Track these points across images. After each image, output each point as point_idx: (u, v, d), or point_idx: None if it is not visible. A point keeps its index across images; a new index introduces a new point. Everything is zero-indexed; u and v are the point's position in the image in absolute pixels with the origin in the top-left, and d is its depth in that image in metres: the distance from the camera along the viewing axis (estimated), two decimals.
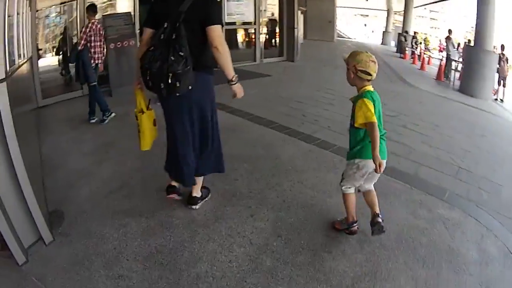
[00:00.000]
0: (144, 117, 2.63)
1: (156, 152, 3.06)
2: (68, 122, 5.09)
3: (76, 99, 6.18)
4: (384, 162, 2.26)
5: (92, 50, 4.89)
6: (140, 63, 2.34)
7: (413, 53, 18.07)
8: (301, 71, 9.72)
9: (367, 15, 47.26)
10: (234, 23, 9.88)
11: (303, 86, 7.76)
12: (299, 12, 12.01)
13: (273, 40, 11.59)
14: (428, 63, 15.79)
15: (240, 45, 10.98)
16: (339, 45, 18.54)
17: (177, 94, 2.31)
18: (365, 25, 47.46)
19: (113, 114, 5.08)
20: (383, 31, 26.87)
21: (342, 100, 6.34)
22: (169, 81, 2.23)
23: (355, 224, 2.58)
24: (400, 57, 18.26)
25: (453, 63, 12.62)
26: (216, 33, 2.35)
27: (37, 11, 6.00)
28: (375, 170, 2.21)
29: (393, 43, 24.22)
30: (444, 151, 4.63)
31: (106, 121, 5.00)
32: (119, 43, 6.35)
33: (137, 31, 6.79)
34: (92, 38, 4.87)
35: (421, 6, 26.76)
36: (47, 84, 6.26)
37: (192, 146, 2.63)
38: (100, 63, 5.05)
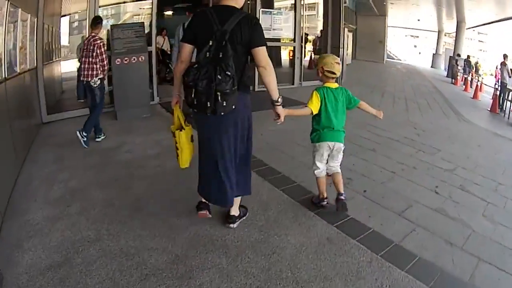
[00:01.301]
0: (183, 134, 2.63)
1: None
2: (60, 147, 4.45)
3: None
4: (332, 143, 2.94)
5: (81, 66, 4.50)
6: (183, 80, 2.35)
7: (465, 78, 16.28)
8: None
9: (417, 36, 45.00)
10: (269, 40, 8.69)
11: None
12: (347, 30, 10.80)
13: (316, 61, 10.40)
14: (480, 90, 14.00)
15: (276, 64, 9.83)
16: (388, 68, 17.14)
17: (222, 114, 2.31)
18: (415, 46, 45.29)
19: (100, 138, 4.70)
20: (433, 54, 25.37)
21: (387, 145, 5.01)
22: (218, 100, 2.26)
23: (325, 200, 3.04)
24: (452, 83, 16.74)
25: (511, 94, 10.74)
26: (264, 54, 2.41)
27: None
28: (276, 117, 2.59)
29: (442, 66, 22.88)
30: (510, 229, 3.10)
31: (86, 142, 4.45)
32: (126, 58, 5.46)
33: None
34: (84, 53, 4.49)
35: (474, 27, 24.55)
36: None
37: (231, 164, 2.58)
38: (87, 81, 4.50)
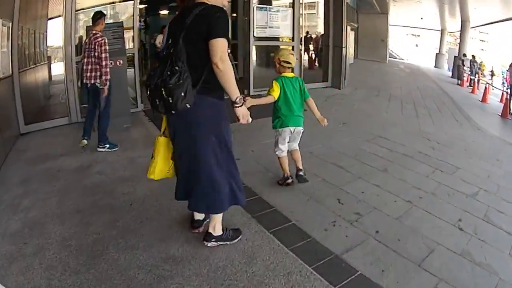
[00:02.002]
0: (162, 140, 2.41)
1: None
2: (32, 164, 3.97)
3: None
4: (293, 128, 3.29)
5: (83, 68, 4.26)
6: None
7: (471, 80, 15.64)
8: (347, 104, 7.54)
9: (419, 35, 44.29)
10: (265, 39, 8.00)
11: (347, 131, 5.52)
12: (349, 28, 10.11)
13: (317, 61, 9.71)
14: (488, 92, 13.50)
15: (273, 66, 9.17)
16: (391, 67, 16.49)
17: (173, 112, 2.10)
18: (417, 45, 44.62)
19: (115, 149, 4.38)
20: (436, 53, 24.68)
21: (401, 162, 4.36)
22: (163, 96, 2.07)
23: (290, 178, 3.35)
24: (458, 84, 16.13)
25: None
26: (218, 47, 2.07)
27: None
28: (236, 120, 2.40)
29: (446, 66, 22.44)
30: None
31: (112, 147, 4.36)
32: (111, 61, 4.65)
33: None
34: (85, 53, 4.24)
35: (479, 26, 23.83)
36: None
37: (189, 170, 2.34)
38: (92, 83, 4.23)
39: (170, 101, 2.06)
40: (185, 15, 2.17)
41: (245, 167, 3.42)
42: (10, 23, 4.70)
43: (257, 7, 7.70)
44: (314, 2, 10.13)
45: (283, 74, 3.25)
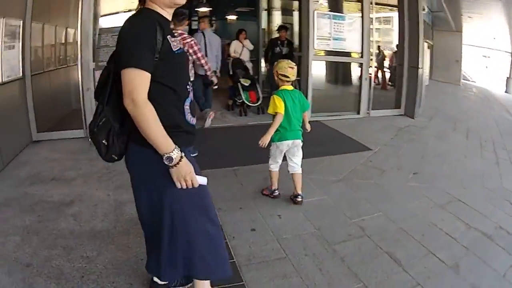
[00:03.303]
0: None
1: None
2: (19, 185, 3.65)
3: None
4: (292, 141, 3.27)
5: None
6: None
7: None
8: (420, 141, 5.98)
9: (489, 57, 40.78)
10: (328, 53, 6.78)
11: (417, 187, 3.99)
12: (426, 45, 8.60)
13: (390, 80, 8.37)
14: None
15: (336, 86, 7.94)
16: (465, 91, 14.54)
17: (108, 161, 1.76)
18: (487, 67, 41.06)
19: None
20: (507, 77, 22.46)
21: (479, 249, 2.93)
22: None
23: (277, 191, 3.44)
24: None
25: None
26: (126, 81, 1.51)
27: None
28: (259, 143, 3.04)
29: None
30: None
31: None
32: None
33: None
34: None
35: None
36: None
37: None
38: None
39: (98, 151, 1.72)
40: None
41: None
42: (21, 22, 4.26)
43: (318, 13, 6.49)
44: (389, 16, 8.80)
45: (283, 87, 3.25)
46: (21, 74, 4.47)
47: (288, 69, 3.19)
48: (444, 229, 3.12)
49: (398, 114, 7.32)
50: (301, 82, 6.63)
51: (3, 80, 4.00)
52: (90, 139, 1.75)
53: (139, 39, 1.51)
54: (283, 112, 3.14)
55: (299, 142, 3.33)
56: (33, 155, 4.48)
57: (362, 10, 6.82)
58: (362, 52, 6.83)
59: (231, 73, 7.02)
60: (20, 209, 3.17)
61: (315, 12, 6.42)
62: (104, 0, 5.06)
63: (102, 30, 4.54)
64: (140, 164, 1.74)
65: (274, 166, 3.38)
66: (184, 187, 1.66)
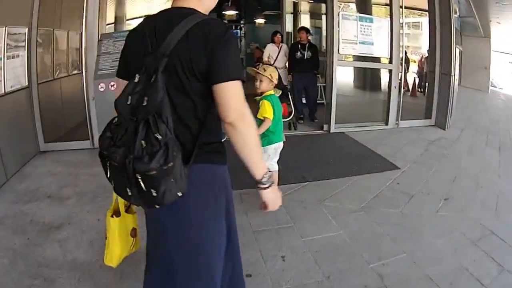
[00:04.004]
0: (116, 222, 1.60)
1: None
2: (16, 202, 3.52)
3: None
4: (278, 144, 3.40)
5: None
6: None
7: None
8: (452, 157, 5.43)
9: None
10: (356, 58, 6.43)
11: (447, 218, 3.49)
12: (458, 51, 8.09)
13: (419, 86, 7.95)
14: None
15: (364, 93, 7.56)
16: (494, 99, 14.09)
17: (156, 207, 1.27)
18: None
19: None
20: None
21: None
22: (140, 186, 1.20)
23: None
24: None
25: None
26: (232, 96, 1.24)
27: None
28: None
29: None
30: None
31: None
32: (113, 83, 3.91)
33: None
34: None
35: None
36: None
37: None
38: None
39: (154, 194, 1.22)
40: (163, 34, 1.26)
41: None
42: (26, 29, 4.15)
43: (343, 14, 6.10)
44: (418, 22, 8.36)
45: (269, 92, 3.33)
46: (26, 83, 4.36)
47: (277, 73, 3.41)
48: (475, 273, 2.66)
49: (428, 124, 6.87)
50: (325, 89, 6.27)
51: (5, 91, 3.91)
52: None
53: (236, 47, 1.35)
54: (271, 118, 3.23)
55: (281, 144, 3.47)
56: (37, 167, 4.36)
57: (391, 14, 6.40)
58: (391, 58, 6.42)
59: None
60: (12, 229, 3.07)
61: (340, 13, 6.05)
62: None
63: (104, 36, 4.35)
64: (202, 194, 1.47)
65: (274, 166, 3.48)
66: (274, 209, 1.50)
